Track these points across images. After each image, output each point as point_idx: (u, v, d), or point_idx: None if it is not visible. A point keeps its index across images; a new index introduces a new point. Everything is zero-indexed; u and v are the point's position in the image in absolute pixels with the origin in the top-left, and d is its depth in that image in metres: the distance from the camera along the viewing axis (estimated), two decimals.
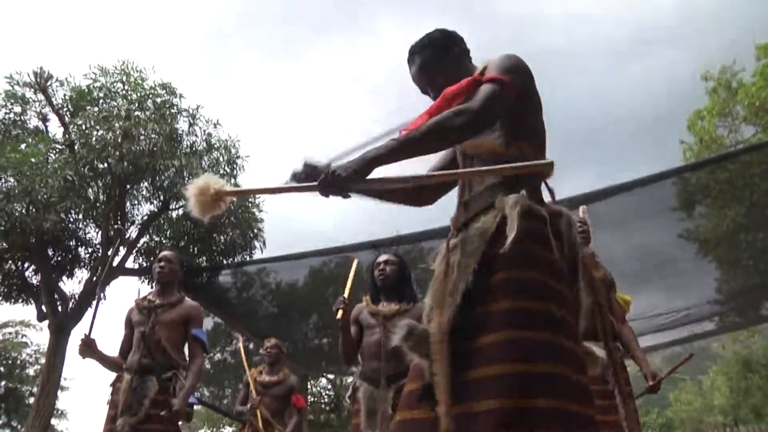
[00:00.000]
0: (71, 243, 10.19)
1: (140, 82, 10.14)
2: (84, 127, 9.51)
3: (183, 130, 10.28)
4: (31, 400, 14.77)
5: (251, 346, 10.23)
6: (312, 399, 19.05)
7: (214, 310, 9.65)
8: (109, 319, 4.27)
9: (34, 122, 10.32)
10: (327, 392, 20.41)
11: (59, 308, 9.73)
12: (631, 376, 3.58)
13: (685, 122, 14.85)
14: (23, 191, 8.50)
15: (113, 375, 3.53)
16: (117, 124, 9.22)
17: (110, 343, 3.66)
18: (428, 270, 1.61)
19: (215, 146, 10.53)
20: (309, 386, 15.62)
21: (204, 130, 10.53)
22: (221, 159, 10.47)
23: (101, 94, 10.04)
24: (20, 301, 10.31)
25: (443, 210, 1.75)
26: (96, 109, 9.72)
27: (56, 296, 9.83)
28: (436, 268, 1.54)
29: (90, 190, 9.66)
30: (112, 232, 9.68)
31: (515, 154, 1.54)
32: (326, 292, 9.14)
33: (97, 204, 9.82)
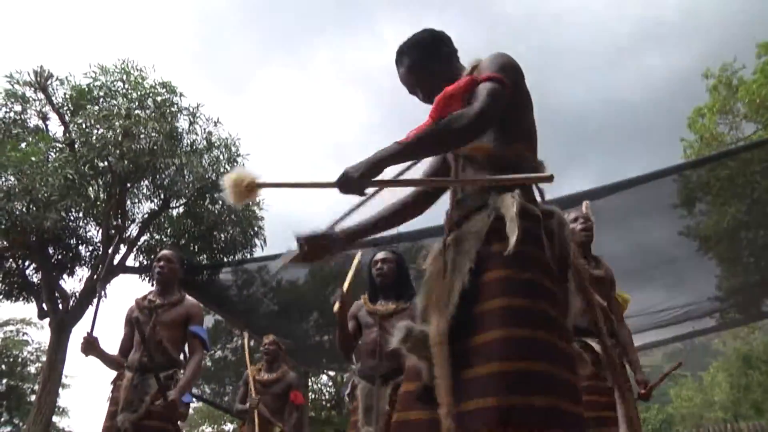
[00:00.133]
0: (72, 241, 10.19)
1: (140, 80, 10.14)
2: (84, 126, 9.52)
3: (183, 129, 10.29)
4: (33, 397, 14.80)
5: (252, 343, 10.24)
6: (313, 396, 19.07)
7: (215, 308, 9.65)
8: (110, 317, 4.27)
9: (34, 121, 10.33)
10: (328, 389, 20.44)
11: (60, 306, 9.74)
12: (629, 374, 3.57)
13: (685, 119, 14.86)
14: (24, 190, 8.50)
15: (114, 372, 3.54)
16: (117, 123, 9.22)
17: (111, 341, 3.67)
18: (420, 269, 1.62)
19: (215, 144, 10.53)
20: (310, 383, 15.64)
21: (204, 129, 10.55)
22: (221, 157, 10.47)
23: (101, 93, 10.04)
24: (21, 299, 10.32)
25: (443, 206, 1.76)
26: (96, 107, 9.72)
27: (57, 294, 9.84)
28: (429, 267, 1.54)
29: (90, 188, 9.66)
30: (113, 231, 9.69)
31: (511, 156, 1.55)
32: (327, 290, 9.13)
33: (98, 202, 9.83)
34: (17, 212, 8.56)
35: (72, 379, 19.41)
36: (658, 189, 6.16)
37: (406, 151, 1.43)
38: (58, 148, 9.75)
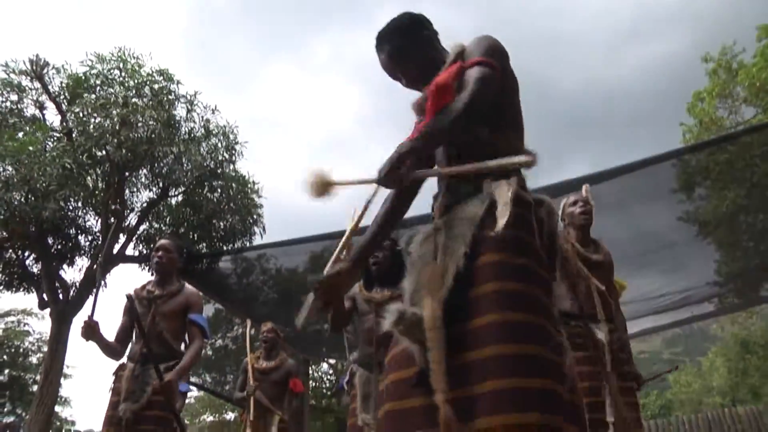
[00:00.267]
0: (71, 231, 10.18)
1: (137, 68, 10.08)
2: (81, 115, 9.47)
3: (181, 117, 10.24)
4: (35, 388, 14.86)
5: (252, 332, 10.26)
6: (313, 384, 19.16)
7: (215, 296, 9.66)
8: (110, 307, 4.27)
9: (31, 110, 10.28)
10: (328, 377, 20.53)
11: (60, 296, 9.75)
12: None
13: (684, 104, 14.81)
14: (22, 180, 8.48)
15: (115, 363, 3.56)
16: (114, 112, 9.18)
17: (111, 331, 3.68)
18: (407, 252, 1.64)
19: (213, 132, 10.48)
20: (310, 371, 15.70)
21: (202, 117, 10.49)
22: (220, 145, 10.43)
23: (98, 82, 9.98)
24: (21, 289, 10.32)
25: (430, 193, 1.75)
26: (93, 96, 9.67)
27: (57, 284, 9.85)
28: (417, 251, 1.54)
29: (89, 177, 9.63)
30: (111, 219, 9.67)
31: (500, 142, 1.56)
32: None
33: (96, 192, 9.80)
34: (16, 202, 8.54)
35: (73, 369, 19.53)
36: (657, 174, 6.14)
37: (419, 145, 1.45)
38: (55, 138, 9.72)
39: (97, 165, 9.67)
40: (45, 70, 9.79)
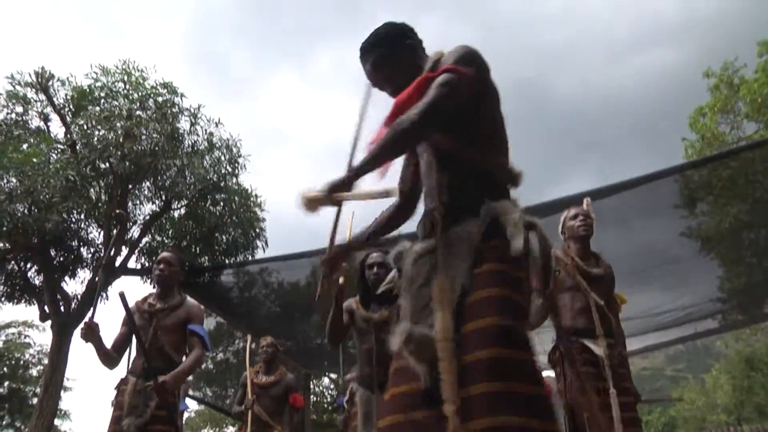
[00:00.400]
0: (73, 243, 10.19)
1: (141, 81, 10.15)
2: (85, 127, 9.52)
3: (184, 130, 10.28)
4: (35, 400, 14.81)
5: (254, 346, 10.22)
6: (314, 398, 19.04)
7: (216, 310, 9.64)
8: (111, 319, 4.26)
9: (35, 122, 10.34)
10: (330, 392, 20.40)
11: (62, 308, 9.74)
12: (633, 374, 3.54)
13: (686, 119, 14.83)
14: (25, 191, 8.50)
15: (116, 375, 3.55)
16: (118, 124, 9.23)
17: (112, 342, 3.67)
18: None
19: (217, 145, 10.52)
20: (311, 386, 15.61)
21: (205, 130, 10.54)
22: (223, 158, 10.47)
23: (102, 94, 10.04)
24: (23, 301, 10.31)
25: None
26: (97, 108, 9.73)
27: (59, 296, 9.84)
28: (411, 271, 1.57)
29: (92, 190, 9.67)
30: (114, 216, 9.64)
31: (477, 156, 1.56)
32: (329, 292, 9.09)
33: (99, 204, 9.82)
34: (19, 214, 8.56)
35: (74, 381, 19.43)
36: (659, 189, 6.14)
37: (372, 160, 1.53)
38: (59, 150, 9.76)
39: (101, 177, 9.70)
40: (50, 83, 9.86)
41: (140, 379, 3.32)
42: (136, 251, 10.61)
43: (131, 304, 3.58)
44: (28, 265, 10.24)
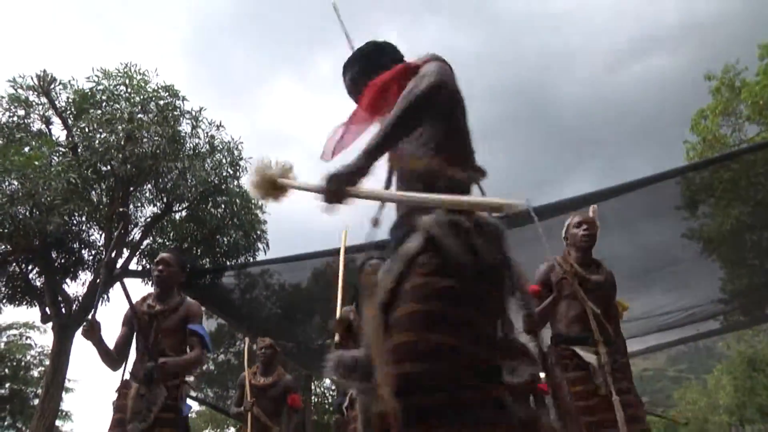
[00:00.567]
0: (75, 245, 10.20)
1: (143, 84, 10.15)
2: (87, 130, 9.53)
3: (186, 133, 10.28)
4: (36, 401, 14.82)
5: (254, 347, 10.24)
6: (316, 399, 19.05)
7: (217, 311, 9.66)
8: (112, 321, 4.27)
9: (37, 125, 10.33)
10: (331, 393, 20.41)
11: (63, 310, 9.75)
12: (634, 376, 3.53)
13: (688, 122, 14.83)
14: (27, 194, 8.51)
15: (117, 376, 3.54)
16: (120, 127, 9.23)
17: (113, 343, 3.67)
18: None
19: (218, 148, 10.52)
20: (313, 387, 15.62)
21: (207, 133, 10.54)
22: (224, 161, 10.48)
23: (104, 97, 10.05)
24: (24, 303, 10.32)
25: None
26: (99, 111, 9.73)
27: (60, 298, 9.84)
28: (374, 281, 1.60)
29: (93, 192, 9.68)
30: (116, 215, 9.65)
31: (435, 168, 1.55)
32: (329, 293, 9.12)
33: (101, 206, 9.83)
34: (20, 216, 8.57)
35: (75, 383, 19.39)
36: (661, 191, 6.15)
37: (372, 153, 1.49)
38: (61, 152, 9.77)
39: (102, 180, 9.72)
40: (52, 86, 9.87)
41: (143, 385, 3.33)
42: (138, 253, 10.62)
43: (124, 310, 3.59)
44: (30, 267, 10.25)
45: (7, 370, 19.13)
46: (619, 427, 2.77)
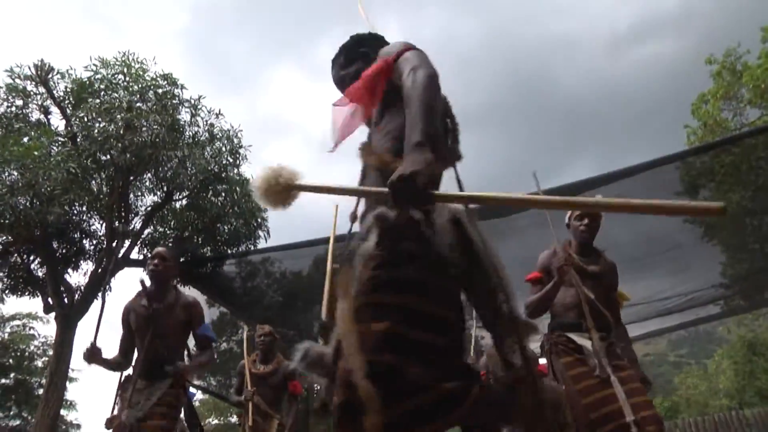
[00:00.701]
0: (76, 235, 10.22)
1: (141, 73, 10.11)
2: (86, 120, 9.50)
3: (185, 121, 10.26)
4: (40, 391, 14.90)
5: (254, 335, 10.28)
6: (318, 387, 19.13)
7: (219, 299, 9.67)
8: (114, 310, 4.28)
9: (36, 115, 10.32)
10: None
11: (65, 300, 9.78)
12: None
13: (689, 106, 14.76)
14: (27, 184, 8.51)
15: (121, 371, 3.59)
16: (119, 116, 9.21)
17: (115, 333, 3.69)
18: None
19: (217, 136, 10.51)
20: None
21: (206, 121, 10.52)
22: (224, 149, 10.46)
23: (102, 86, 10.01)
24: (26, 293, 10.36)
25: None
26: (97, 101, 9.70)
27: (62, 288, 9.88)
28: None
29: (93, 182, 9.67)
30: (117, 223, 9.69)
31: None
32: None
33: (101, 196, 9.84)
34: (21, 207, 8.57)
35: (79, 372, 19.49)
36: (661, 176, 6.13)
37: (431, 117, 1.46)
38: (60, 142, 9.75)
39: (102, 169, 9.70)
40: (50, 75, 9.83)
41: (143, 379, 3.36)
42: (138, 242, 10.63)
43: (126, 301, 3.61)
44: (31, 258, 10.27)
45: (11, 361, 19.24)
46: (621, 404, 2.80)
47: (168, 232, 10.79)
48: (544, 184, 3.98)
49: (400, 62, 1.60)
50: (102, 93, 9.95)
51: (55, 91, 9.94)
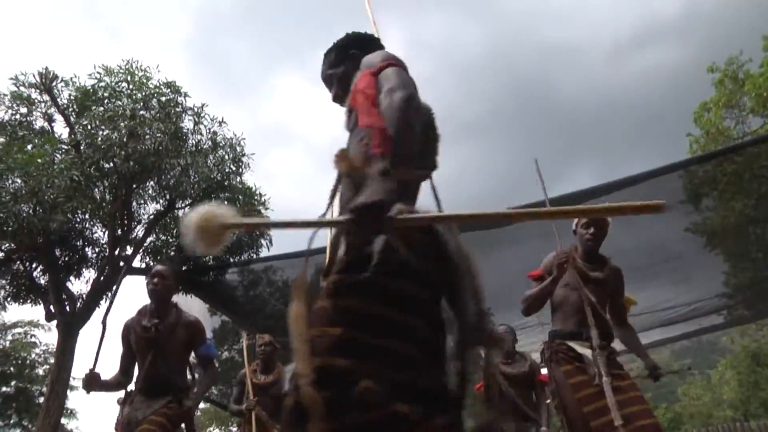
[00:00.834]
0: (78, 243, 10.23)
1: (145, 81, 10.15)
2: (89, 127, 9.54)
3: (188, 129, 10.29)
4: (41, 399, 14.86)
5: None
6: None
7: (221, 308, 9.65)
8: (116, 319, 4.27)
9: (39, 123, 10.36)
10: None
11: (67, 308, 9.77)
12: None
13: (691, 114, 14.78)
14: (30, 192, 8.53)
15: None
16: (122, 124, 9.24)
17: (116, 343, 3.67)
18: None
19: (220, 144, 10.54)
20: None
21: (209, 129, 10.55)
22: (227, 157, 10.48)
23: (106, 94, 10.05)
24: (29, 301, 10.35)
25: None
26: (101, 108, 9.74)
27: (64, 296, 9.87)
28: None
29: (96, 189, 9.69)
30: (119, 231, 9.70)
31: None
32: None
33: (104, 204, 9.85)
34: (24, 214, 8.59)
35: (80, 381, 19.44)
36: (664, 185, 6.13)
37: (398, 164, 1.41)
38: (63, 150, 9.78)
39: (105, 177, 9.72)
40: (54, 83, 9.88)
41: (142, 395, 3.37)
42: (141, 250, 10.63)
43: (126, 307, 3.60)
44: (34, 265, 10.28)
45: (12, 369, 19.20)
46: (611, 410, 2.80)
47: (170, 240, 10.79)
48: (547, 194, 3.97)
49: (380, 78, 1.58)
50: (105, 101, 9.98)
51: (59, 99, 9.99)
